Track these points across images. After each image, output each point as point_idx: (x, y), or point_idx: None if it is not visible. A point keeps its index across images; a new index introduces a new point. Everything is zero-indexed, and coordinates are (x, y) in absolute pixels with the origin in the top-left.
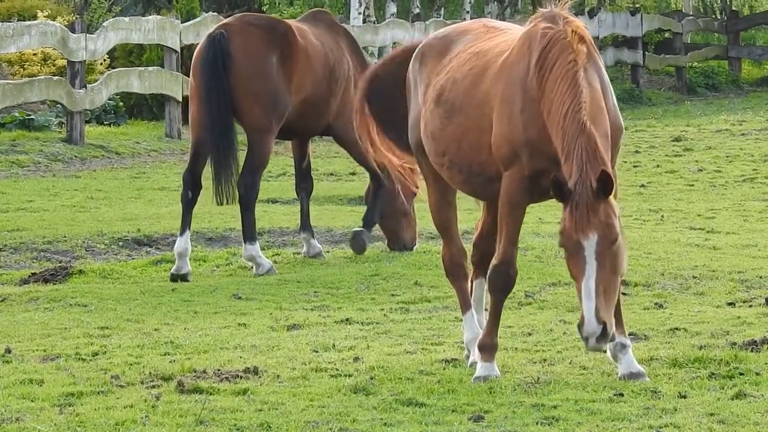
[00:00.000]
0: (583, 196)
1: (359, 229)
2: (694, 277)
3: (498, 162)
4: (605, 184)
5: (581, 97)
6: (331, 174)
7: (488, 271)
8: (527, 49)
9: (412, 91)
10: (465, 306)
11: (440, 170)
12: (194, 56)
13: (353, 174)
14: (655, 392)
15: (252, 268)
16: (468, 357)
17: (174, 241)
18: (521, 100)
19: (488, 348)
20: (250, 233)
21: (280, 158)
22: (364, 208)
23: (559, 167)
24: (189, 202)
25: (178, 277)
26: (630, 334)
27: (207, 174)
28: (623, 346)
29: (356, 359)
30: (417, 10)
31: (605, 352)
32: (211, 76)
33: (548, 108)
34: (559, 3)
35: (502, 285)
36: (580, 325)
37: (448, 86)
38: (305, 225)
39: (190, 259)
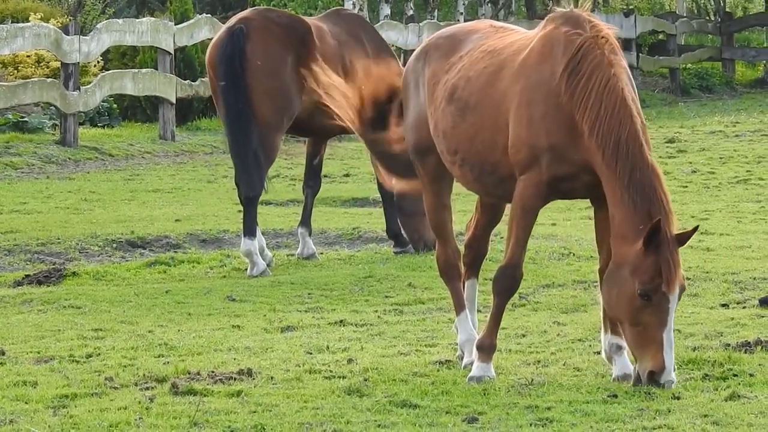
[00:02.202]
0: (670, 248)
1: (398, 250)
2: (688, 279)
3: (515, 165)
4: (688, 237)
5: (636, 124)
6: (325, 176)
7: (495, 273)
8: (550, 52)
9: (411, 91)
10: (459, 307)
11: (452, 168)
12: (211, 47)
13: (347, 176)
14: (649, 394)
15: (247, 267)
16: (461, 358)
17: (167, 243)
18: (544, 105)
19: (486, 348)
20: (250, 228)
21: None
22: (357, 210)
23: (585, 173)
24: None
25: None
26: None
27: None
28: (619, 348)
29: (350, 361)
30: (411, 12)
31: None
32: (227, 72)
33: (591, 123)
34: (576, 2)
35: (508, 287)
36: (655, 372)
37: (461, 84)
38: (305, 221)
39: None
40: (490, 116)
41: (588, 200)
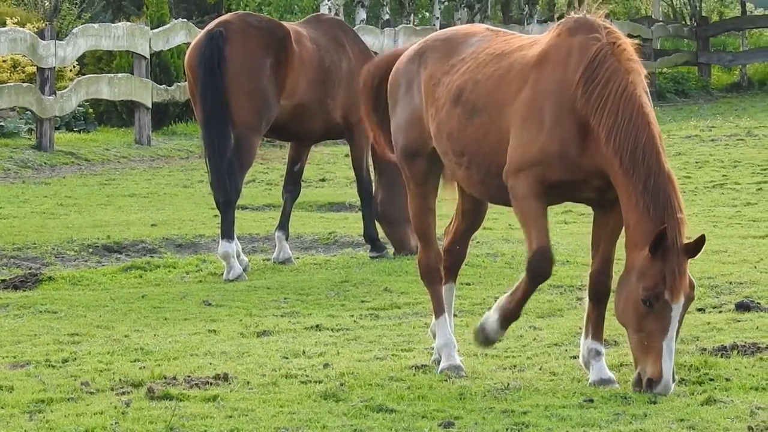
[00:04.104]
0: (678, 258)
1: (374, 254)
2: None
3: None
4: (699, 248)
5: (653, 131)
6: (301, 180)
7: (527, 262)
8: (565, 58)
9: (401, 93)
10: (439, 310)
11: (456, 171)
12: (190, 50)
13: (323, 180)
14: (625, 398)
15: (223, 271)
16: (438, 362)
17: (143, 248)
18: (556, 112)
19: (510, 313)
20: (228, 231)
21: None
22: (333, 215)
23: (596, 178)
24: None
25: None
26: None
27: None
28: (597, 353)
29: (326, 365)
30: (387, 17)
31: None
32: (206, 74)
33: (608, 130)
34: (589, 7)
35: (542, 269)
36: (653, 381)
37: (468, 87)
38: (283, 225)
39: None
40: (499, 119)
41: (577, 204)
